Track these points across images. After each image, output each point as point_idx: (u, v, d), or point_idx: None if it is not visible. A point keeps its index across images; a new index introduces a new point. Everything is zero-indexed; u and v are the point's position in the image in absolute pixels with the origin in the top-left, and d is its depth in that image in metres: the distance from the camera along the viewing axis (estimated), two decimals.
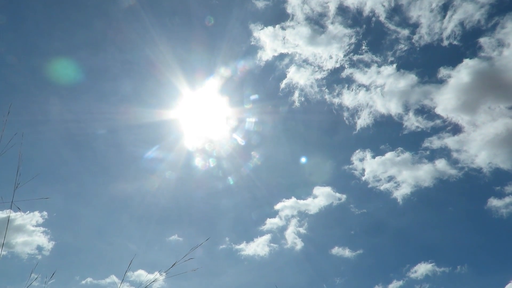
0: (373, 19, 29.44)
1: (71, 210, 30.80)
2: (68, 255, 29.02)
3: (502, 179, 28.64)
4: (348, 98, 30.69)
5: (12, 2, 28.48)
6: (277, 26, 29.80)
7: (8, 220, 4.35)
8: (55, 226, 28.12)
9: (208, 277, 28.92)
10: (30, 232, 26.88)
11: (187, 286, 27.21)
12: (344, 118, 31.02)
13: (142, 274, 23.54)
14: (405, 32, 29.03)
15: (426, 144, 29.96)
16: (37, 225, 27.15)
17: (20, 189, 4.23)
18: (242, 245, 28.91)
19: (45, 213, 27.51)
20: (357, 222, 30.71)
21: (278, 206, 30.22)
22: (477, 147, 28.80)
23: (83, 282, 26.15)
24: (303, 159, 31.31)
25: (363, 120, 30.31)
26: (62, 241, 27.99)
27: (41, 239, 26.73)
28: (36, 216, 27.36)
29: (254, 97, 31.03)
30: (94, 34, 30.34)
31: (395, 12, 29.25)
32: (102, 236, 31.18)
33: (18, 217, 25.63)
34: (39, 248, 26.51)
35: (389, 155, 30.44)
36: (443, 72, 29.02)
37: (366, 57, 30.14)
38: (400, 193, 29.34)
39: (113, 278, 24.45)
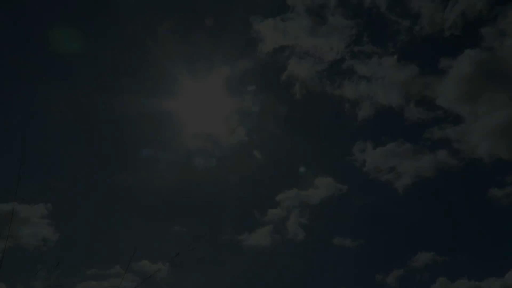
0: (374, 10, 29.22)
1: (75, 201, 31.02)
2: (72, 246, 29.33)
3: (503, 169, 28.68)
4: (349, 90, 30.56)
5: None
6: (277, 18, 29.56)
7: (12, 211, 4.43)
8: (59, 218, 28.35)
9: (211, 267, 29.24)
10: (35, 224, 27.15)
11: (190, 275, 27.55)
12: (345, 110, 31.00)
13: (146, 264, 23.88)
14: (406, 23, 28.84)
15: (427, 135, 29.89)
16: (42, 217, 27.40)
17: (24, 180, 4.31)
18: (244, 236, 29.17)
19: (49, 205, 27.76)
20: (358, 213, 30.83)
21: (279, 197, 30.38)
22: (478, 137, 28.76)
23: (88, 272, 26.47)
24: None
25: (364, 112, 30.22)
26: (66, 232, 28.27)
27: (46, 231, 27.01)
28: (40, 208, 27.61)
29: (254, 89, 31.08)
30: (96, 27, 30.31)
31: (396, 3, 29.05)
32: (106, 227, 31.47)
33: (23, 209, 25.88)
34: (44, 240, 26.79)
35: (390, 146, 30.35)
36: (444, 62, 28.87)
37: (367, 48, 29.95)
38: (401, 184, 29.36)
39: (118, 268, 24.80)
